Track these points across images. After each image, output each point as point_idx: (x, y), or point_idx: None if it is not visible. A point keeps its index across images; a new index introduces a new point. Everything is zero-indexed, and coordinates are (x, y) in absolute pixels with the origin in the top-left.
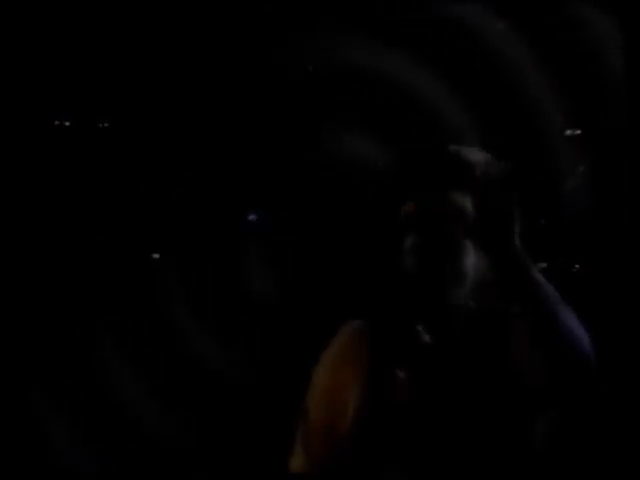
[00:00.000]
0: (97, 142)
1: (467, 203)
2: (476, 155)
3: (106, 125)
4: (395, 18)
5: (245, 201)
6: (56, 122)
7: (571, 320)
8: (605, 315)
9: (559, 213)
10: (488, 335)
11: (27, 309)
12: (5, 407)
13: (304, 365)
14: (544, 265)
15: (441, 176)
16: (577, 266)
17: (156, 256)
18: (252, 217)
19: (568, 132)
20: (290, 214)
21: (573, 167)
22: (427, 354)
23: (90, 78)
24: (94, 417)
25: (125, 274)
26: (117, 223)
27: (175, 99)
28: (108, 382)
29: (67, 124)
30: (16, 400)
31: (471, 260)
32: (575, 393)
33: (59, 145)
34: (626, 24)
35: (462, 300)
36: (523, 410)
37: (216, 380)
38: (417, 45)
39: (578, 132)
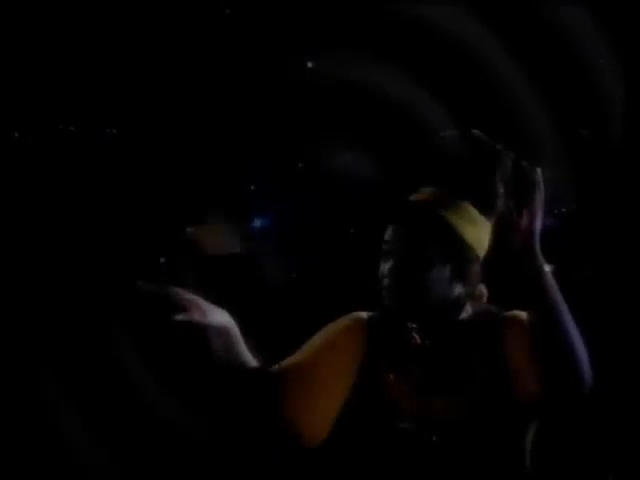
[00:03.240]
0: (100, 147)
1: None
2: (462, 166)
3: (112, 131)
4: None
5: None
6: (61, 127)
7: (573, 332)
8: (609, 320)
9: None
10: (479, 337)
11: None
12: None
13: None
14: (550, 268)
15: (443, 180)
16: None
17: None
18: (256, 222)
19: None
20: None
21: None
22: (417, 354)
23: (89, 83)
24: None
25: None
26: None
27: (177, 107)
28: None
29: (72, 129)
30: None
31: (436, 275)
32: (567, 404)
33: (64, 150)
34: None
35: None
36: (513, 412)
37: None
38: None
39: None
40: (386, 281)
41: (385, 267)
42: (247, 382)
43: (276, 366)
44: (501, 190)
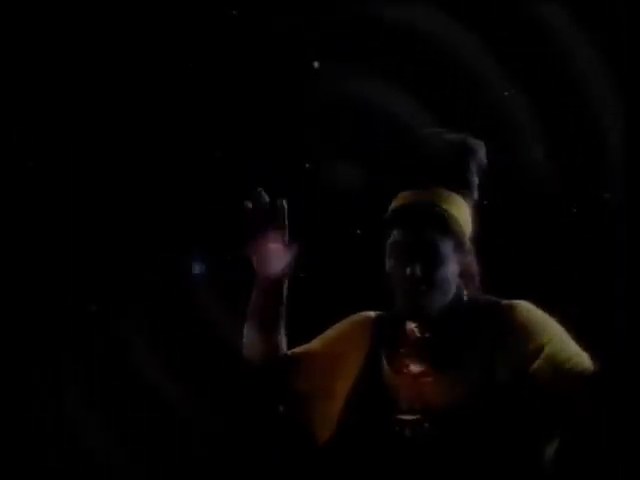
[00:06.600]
0: (100, 147)
1: (455, 207)
2: (474, 157)
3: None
4: None
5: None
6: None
7: None
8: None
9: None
10: (479, 328)
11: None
12: None
13: None
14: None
15: (431, 177)
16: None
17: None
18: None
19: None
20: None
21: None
22: (416, 346)
23: (89, 82)
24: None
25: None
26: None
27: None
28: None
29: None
30: None
31: (448, 267)
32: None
33: (64, 150)
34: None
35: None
36: (517, 402)
37: None
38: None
39: None
40: (407, 284)
41: (404, 271)
42: (270, 355)
43: (289, 352)
44: (476, 180)
